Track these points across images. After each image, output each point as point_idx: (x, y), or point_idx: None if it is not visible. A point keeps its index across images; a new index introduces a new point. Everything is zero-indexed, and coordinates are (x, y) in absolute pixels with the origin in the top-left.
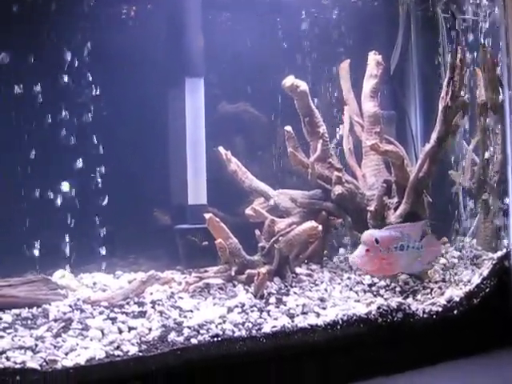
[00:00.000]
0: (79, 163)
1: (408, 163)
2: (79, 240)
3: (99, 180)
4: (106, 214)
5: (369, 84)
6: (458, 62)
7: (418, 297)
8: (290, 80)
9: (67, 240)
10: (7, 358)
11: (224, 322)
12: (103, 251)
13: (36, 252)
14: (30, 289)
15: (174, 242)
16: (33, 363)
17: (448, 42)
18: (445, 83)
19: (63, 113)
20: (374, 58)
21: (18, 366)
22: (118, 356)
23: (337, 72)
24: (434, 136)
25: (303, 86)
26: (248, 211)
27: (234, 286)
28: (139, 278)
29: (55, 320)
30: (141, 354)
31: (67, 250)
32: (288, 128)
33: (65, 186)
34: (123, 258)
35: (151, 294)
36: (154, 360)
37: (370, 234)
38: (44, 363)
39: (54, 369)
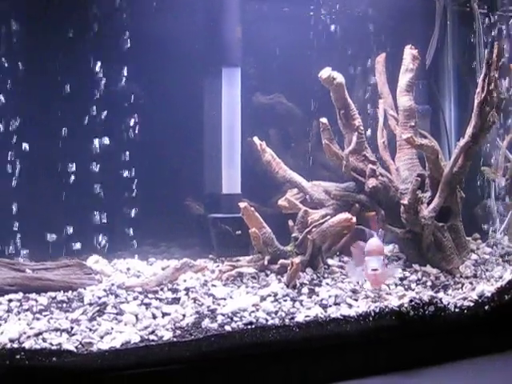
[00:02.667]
0: (115, 150)
1: (442, 158)
2: (113, 226)
3: (135, 168)
4: (140, 201)
5: (404, 78)
6: (494, 57)
7: (449, 291)
8: (326, 72)
9: (101, 226)
10: (43, 340)
11: (257, 310)
12: (136, 238)
13: (70, 237)
14: (65, 273)
15: (206, 230)
16: (69, 345)
17: (484, 36)
18: (481, 78)
19: (101, 100)
20: (410, 52)
21: (54, 348)
22: (153, 341)
23: (372, 65)
24: (469, 131)
25: (340, 78)
26: (281, 202)
27: (267, 275)
28: (173, 265)
29: (90, 304)
30: (175, 339)
31: (101, 236)
32: (324, 120)
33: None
34: (155, 245)
35: (185, 281)
36: (188, 346)
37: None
38: (80, 345)
39: (89, 351)
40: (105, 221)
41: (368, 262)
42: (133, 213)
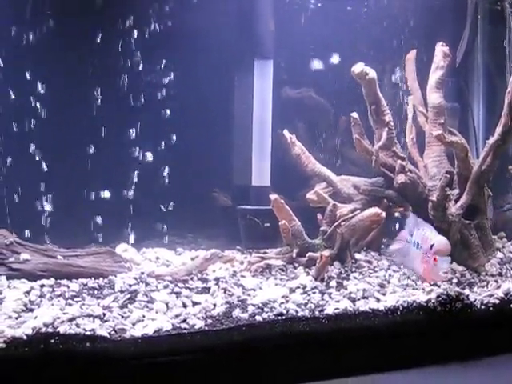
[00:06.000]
0: (145, 141)
1: (471, 155)
2: (141, 216)
3: (165, 159)
4: (168, 191)
5: (435, 75)
6: None
7: (475, 289)
8: (359, 67)
9: (130, 215)
10: (77, 325)
11: (287, 301)
12: (164, 228)
13: (99, 226)
14: (96, 260)
15: (234, 222)
16: (102, 331)
17: None
18: (511, 78)
19: (133, 91)
20: (441, 49)
21: (88, 333)
22: (185, 329)
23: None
24: (498, 130)
25: (372, 73)
26: (310, 195)
27: (295, 267)
28: (202, 255)
29: (121, 291)
30: (207, 328)
31: (129, 225)
32: (354, 115)
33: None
34: (182, 236)
35: (214, 271)
36: (220, 335)
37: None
38: (113, 332)
39: (122, 338)
40: (133, 210)
41: (440, 262)
42: (161, 203)
